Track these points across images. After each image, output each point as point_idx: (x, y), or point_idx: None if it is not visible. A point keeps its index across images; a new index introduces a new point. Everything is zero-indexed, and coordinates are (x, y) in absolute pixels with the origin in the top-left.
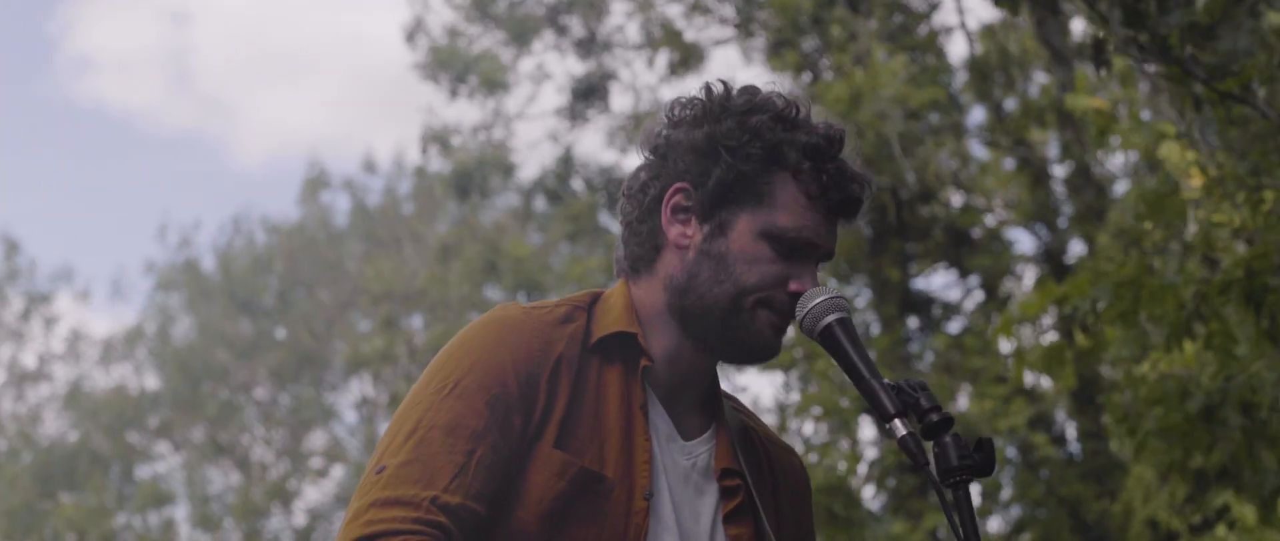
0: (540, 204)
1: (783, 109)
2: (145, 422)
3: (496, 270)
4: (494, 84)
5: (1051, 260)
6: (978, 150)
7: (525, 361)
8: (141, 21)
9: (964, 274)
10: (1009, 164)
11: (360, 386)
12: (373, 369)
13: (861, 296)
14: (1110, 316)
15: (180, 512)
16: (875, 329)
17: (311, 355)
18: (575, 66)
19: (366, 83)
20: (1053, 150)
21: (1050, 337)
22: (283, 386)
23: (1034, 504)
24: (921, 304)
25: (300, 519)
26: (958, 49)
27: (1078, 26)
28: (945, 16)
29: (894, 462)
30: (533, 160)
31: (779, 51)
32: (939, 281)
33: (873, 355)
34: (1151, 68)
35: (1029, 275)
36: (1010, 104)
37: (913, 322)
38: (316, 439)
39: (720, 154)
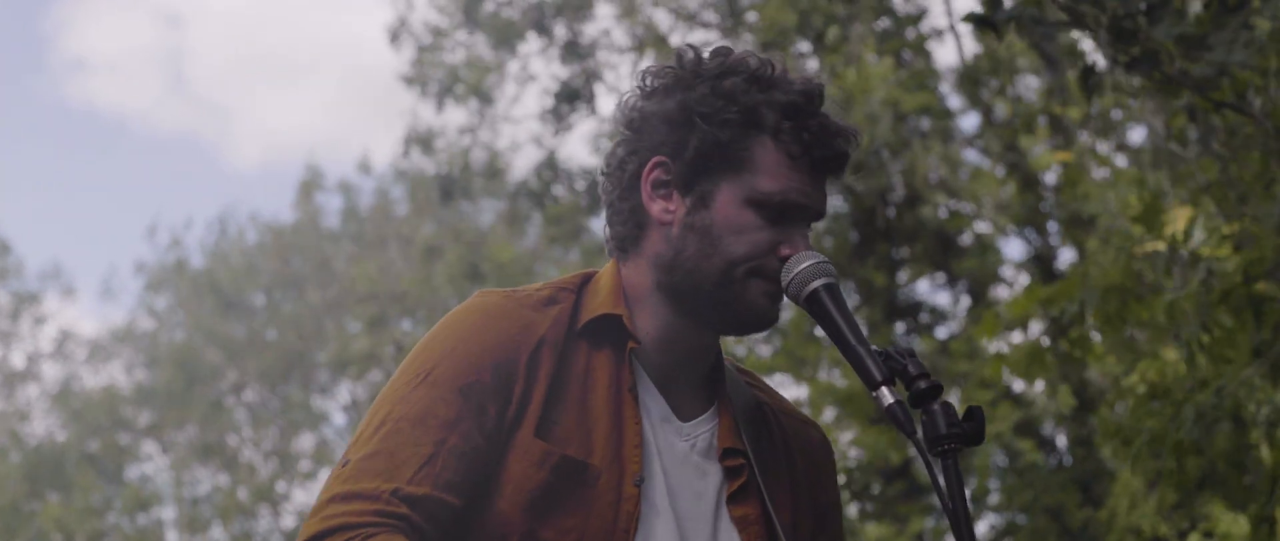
0: (524, 207)
1: (757, 69)
2: (134, 423)
3: (480, 274)
4: (479, 92)
5: (1042, 266)
6: (970, 156)
7: (501, 348)
8: (135, 23)
9: (952, 279)
10: (1000, 170)
11: (351, 388)
12: (357, 370)
13: (847, 302)
14: (1097, 321)
15: (167, 514)
16: (864, 331)
17: (301, 356)
18: (560, 71)
19: (362, 85)
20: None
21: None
22: (272, 388)
23: (1019, 509)
24: (909, 309)
25: (289, 521)
26: (948, 53)
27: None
28: (935, 20)
29: (879, 465)
30: (518, 163)
31: (768, 52)
32: (926, 287)
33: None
34: (1137, 82)
35: (1020, 282)
36: (1002, 109)
37: (900, 328)
38: (305, 441)
39: (696, 122)
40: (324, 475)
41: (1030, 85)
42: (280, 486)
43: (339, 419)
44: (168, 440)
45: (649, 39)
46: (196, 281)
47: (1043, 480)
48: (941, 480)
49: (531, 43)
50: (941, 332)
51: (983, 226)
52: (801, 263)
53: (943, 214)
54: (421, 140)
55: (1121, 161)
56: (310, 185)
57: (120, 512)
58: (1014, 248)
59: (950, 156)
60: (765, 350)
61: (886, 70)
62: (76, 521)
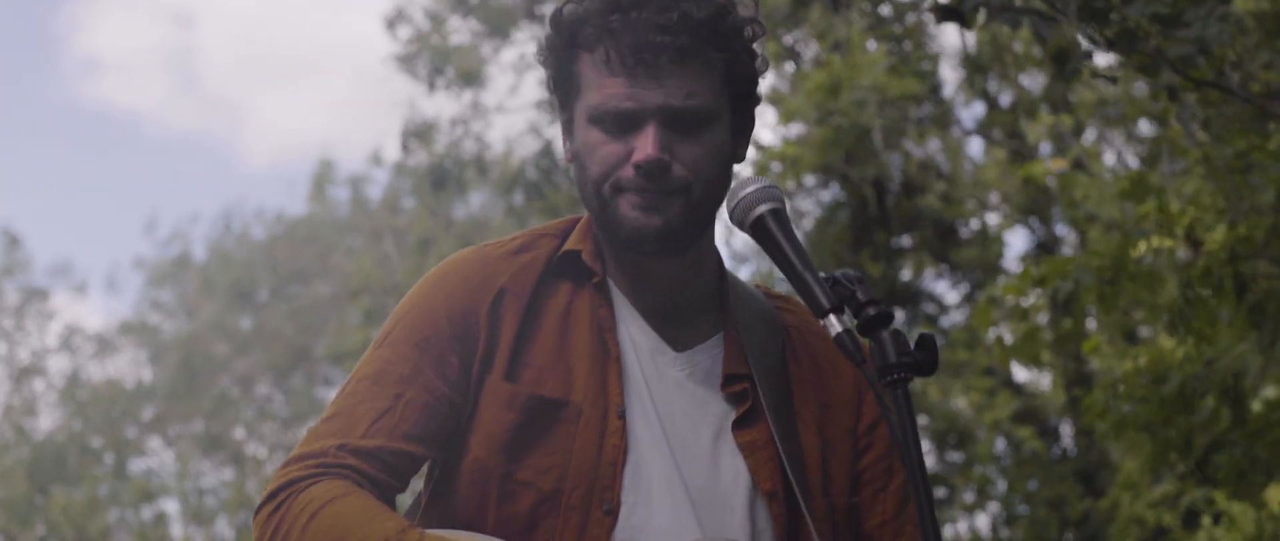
0: (519, 198)
1: None
2: (139, 416)
3: None
4: (470, 77)
5: (1046, 256)
6: (976, 148)
7: (459, 298)
8: (145, 23)
9: (952, 269)
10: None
11: None
12: (354, 362)
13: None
14: (1090, 298)
15: (172, 507)
16: None
17: (305, 349)
18: None
19: (370, 82)
20: (1046, 147)
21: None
22: (277, 381)
23: (1022, 499)
24: (908, 299)
25: None
26: (950, 40)
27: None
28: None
29: None
30: (517, 153)
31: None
32: (928, 277)
33: None
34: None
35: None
36: (1006, 99)
37: (900, 317)
38: None
39: (544, 61)
40: None
41: (1037, 82)
42: None
43: None
44: (173, 433)
45: None
46: (202, 275)
47: (1044, 470)
48: (893, 417)
49: (526, 30)
50: (944, 323)
51: (990, 218)
52: (746, 187)
53: (940, 203)
54: (419, 133)
55: (1132, 161)
56: (322, 178)
57: (125, 505)
58: (1019, 238)
59: (949, 145)
60: None
61: (879, 57)
62: (84, 514)
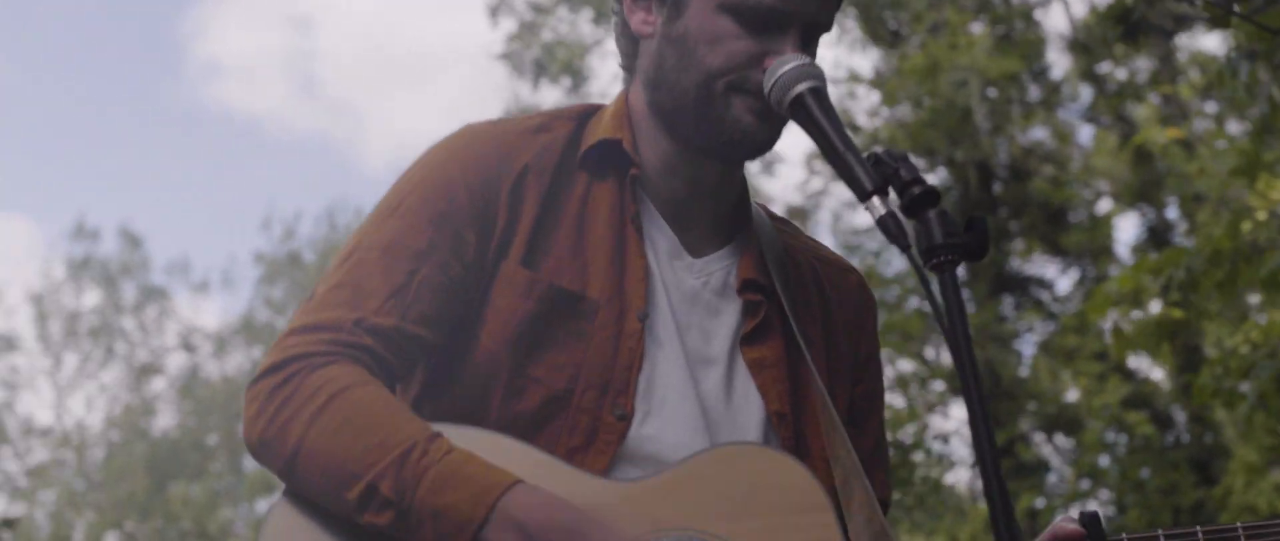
0: None
1: None
2: None
3: None
4: (572, 69)
5: (1157, 242)
6: (1086, 135)
7: (479, 172)
8: (267, 27)
9: (1062, 254)
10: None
11: None
12: None
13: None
14: (1207, 287)
15: None
16: (969, 307)
17: None
18: None
19: (489, 84)
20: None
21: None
22: None
23: (1134, 486)
24: (1017, 283)
25: None
26: (1055, 23)
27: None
28: None
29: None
30: None
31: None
32: (1037, 262)
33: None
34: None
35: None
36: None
37: (1008, 302)
38: None
39: None
40: None
41: (1141, 66)
42: None
43: None
44: None
45: None
46: (308, 273)
47: (1157, 457)
48: (939, 296)
49: None
50: (1054, 309)
51: (1104, 205)
52: (784, 65)
53: (1049, 187)
54: None
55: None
56: None
57: (240, 501)
58: (1129, 223)
59: (1057, 128)
60: None
61: (982, 38)
62: (203, 510)
